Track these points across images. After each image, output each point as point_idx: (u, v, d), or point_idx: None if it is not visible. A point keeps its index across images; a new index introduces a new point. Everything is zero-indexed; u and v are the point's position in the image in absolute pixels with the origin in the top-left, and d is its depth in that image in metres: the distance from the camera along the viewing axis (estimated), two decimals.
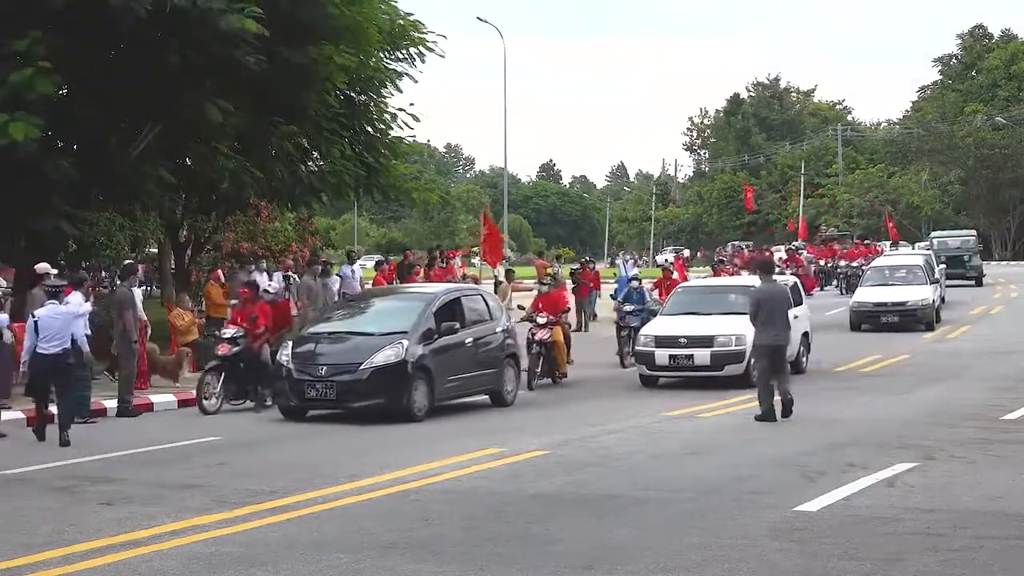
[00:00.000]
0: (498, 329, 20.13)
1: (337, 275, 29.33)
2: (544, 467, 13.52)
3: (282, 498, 11.76)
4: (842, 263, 51.04)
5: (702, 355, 21.57)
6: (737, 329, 21.35)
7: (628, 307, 25.96)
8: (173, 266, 32.34)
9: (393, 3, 28.09)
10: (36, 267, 19.97)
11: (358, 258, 35.88)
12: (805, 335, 24.24)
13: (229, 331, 19.95)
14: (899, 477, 12.58)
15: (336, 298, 26.04)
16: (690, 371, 21.70)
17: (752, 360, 19.58)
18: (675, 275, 32.04)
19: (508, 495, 11.85)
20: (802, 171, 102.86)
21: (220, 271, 29.06)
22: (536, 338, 22.39)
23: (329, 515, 11.01)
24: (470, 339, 19.24)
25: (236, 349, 19.45)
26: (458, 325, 18.95)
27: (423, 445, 15.33)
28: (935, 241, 55.58)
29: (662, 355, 21.77)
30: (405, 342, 17.93)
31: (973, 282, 51.98)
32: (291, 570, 9.00)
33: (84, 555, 9.55)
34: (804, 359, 24.02)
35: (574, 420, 17.54)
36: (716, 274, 36.32)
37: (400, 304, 20.04)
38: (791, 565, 9.01)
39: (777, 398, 17.33)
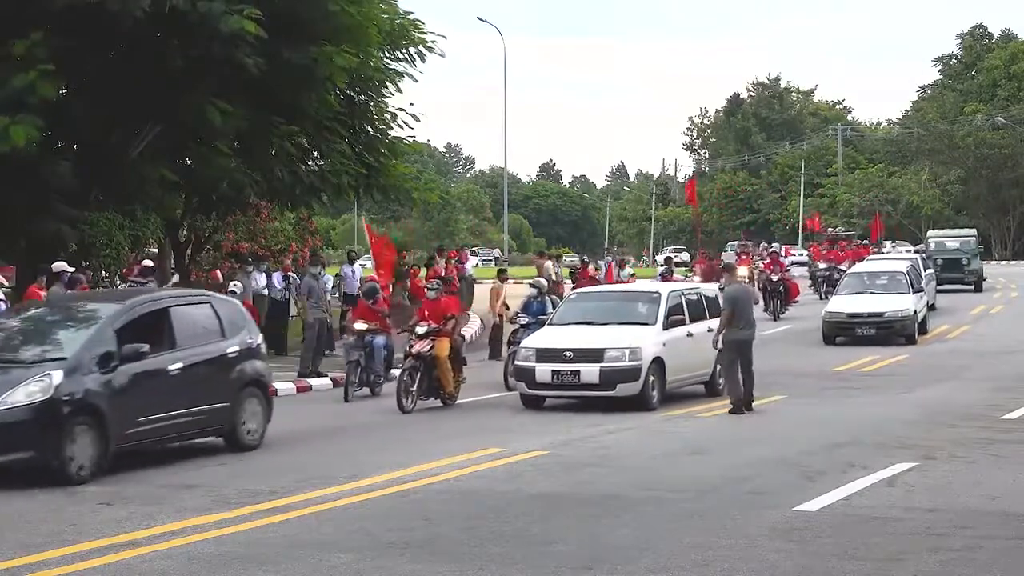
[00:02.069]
0: (231, 350, 15.11)
1: (337, 275, 29.28)
2: (544, 467, 13.53)
3: (282, 498, 11.76)
4: (821, 265, 45.89)
5: (590, 371, 18.46)
6: (633, 341, 18.68)
7: (523, 319, 22.47)
8: (173, 266, 32.27)
9: (393, 2, 28.10)
10: (53, 266, 20.14)
11: (358, 258, 35.82)
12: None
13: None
14: (899, 477, 12.58)
15: (328, 296, 25.95)
16: (576, 390, 18.81)
17: (719, 354, 18.97)
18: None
19: (508, 495, 11.85)
20: (802, 171, 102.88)
21: (218, 271, 29.06)
22: (413, 351, 19.16)
23: (329, 515, 11.01)
24: (178, 365, 14.27)
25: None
26: (148, 347, 13.82)
27: (422, 445, 15.33)
28: (932, 242, 51.15)
29: (544, 371, 18.66)
30: (56, 373, 12.89)
31: (972, 287, 47.67)
32: (291, 570, 9.01)
33: (84, 555, 9.55)
34: (720, 380, 19.99)
35: (574, 420, 17.54)
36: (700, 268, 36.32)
37: (70, 319, 14.53)
38: (791, 565, 9.01)
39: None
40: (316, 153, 27.74)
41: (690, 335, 19.77)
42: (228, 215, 31.17)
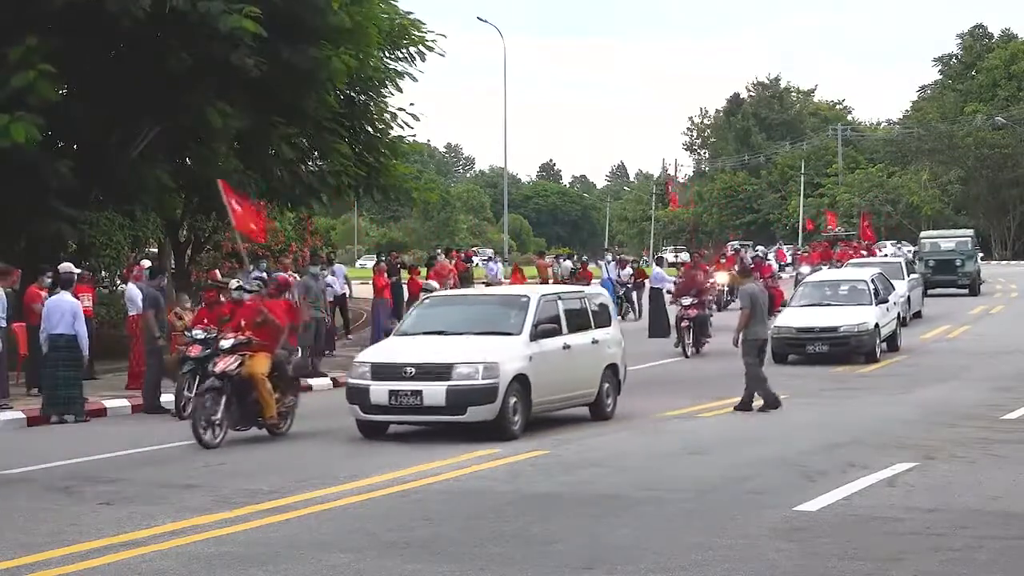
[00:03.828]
0: None
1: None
2: (544, 467, 13.53)
3: (282, 498, 11.76)
4: (804, 269, 42.75)
5: (434, 392, 15.23)
6: (490, 354, 15.50)
7: None
8: (173, 266, 32.26)
9: (393, 2, 28.11)
10: (59, 267, 20.26)
11: (335, 259, 35.39)
12: (612, 369, 17.97)
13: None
14: (899, 477, 12.58)
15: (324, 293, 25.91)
16: (417, 414, 15.60)
17: (742, 353, 18.82)
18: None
19: (508, 495, 11.85)
20: (802, 171, 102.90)
21: (217, 271, 29.04)
22: (216, 369, 15.70)
23: (329, 515, 11.01)
24: None
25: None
26: None
27: (423, 445, 15.32)
28: (927, 242, 48.82)
29: (380, 391, 15.42)
30: None
31: (966, 290, 45.48)
32: (291, 570, 9.00)
33: (84, 555, 9.55)
34: (609, 400, 17.83)
35: (574, 420, 17.53)
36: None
37: None
38: (791, 565, 9.01)
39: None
40: (316, 153, 27.75)
41: (567, 347, 16.83)
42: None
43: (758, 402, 18.36)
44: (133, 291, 23.87)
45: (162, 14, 20.73)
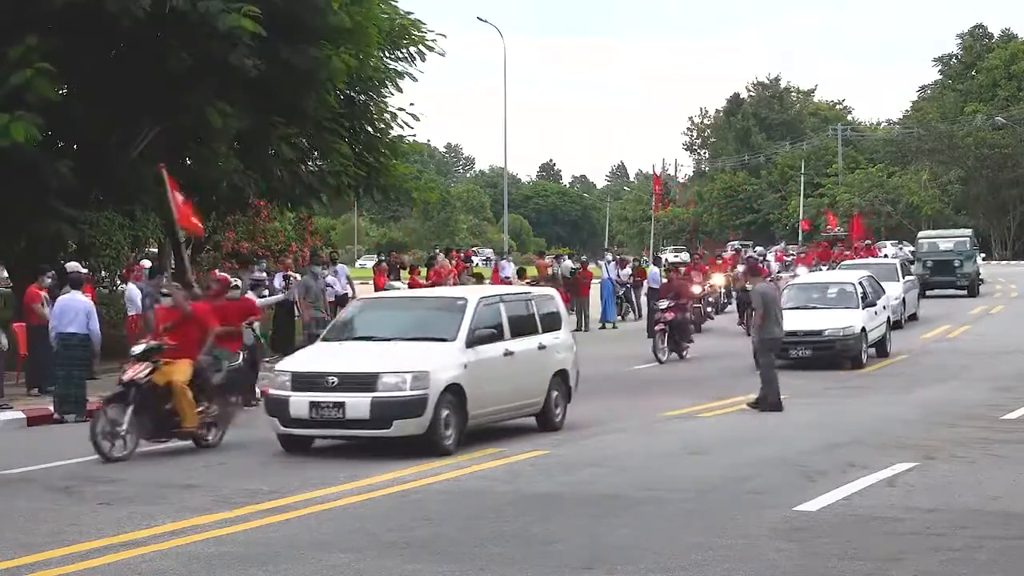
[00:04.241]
0: None
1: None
2: (544, 467, 13.53)
3: (282, 498, 11.76)
4: (800, 269, 41.40)
5: (357, 404, 14.03)
6: (420, 363, 14.31)
7: None
8: (173, 266, 32.27)
9: (393, 3, 28.10)
10: (67, 267, 20.32)
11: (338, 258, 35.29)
12: (561, 377, 16.85)
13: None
14: (899, 477, 12.58)
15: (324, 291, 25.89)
16: (340, 428, 14.38)
17: (755, 353, 18.85)
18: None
19: (508, 495, 11.85)
20: (802, 171, 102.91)
21: (216, 271, 29.04)
22: (125, 377, 14.67)
23: (329, 515, 11.01)
24: None
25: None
26: None
27: (423, 445, 15.31)
28: (925, 243, 47.90)
29: (300, 403, 14.22)
30: None
31: (964, 291, 44.71)
32: (291, 570, 9.00)
33: (84, 555, 9.55)
34: (558, 410, 16.72)
35: (574, 420, 17.52)
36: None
37: None
38: (791, 565, 9.01)
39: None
40: (316, 153, 27.75)
41: (509, 354, 15.65)
42: (228, 215, 31.20)
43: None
44: (133, 291, 23.92)
45: (162, 14, 20.73)
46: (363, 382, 14.19)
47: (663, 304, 26.90)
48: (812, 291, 27.13)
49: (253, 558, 9.36)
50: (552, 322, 17.06)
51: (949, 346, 29.06)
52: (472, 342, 15.05)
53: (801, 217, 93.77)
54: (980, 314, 37.76)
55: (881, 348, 26.60)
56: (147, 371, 14.63)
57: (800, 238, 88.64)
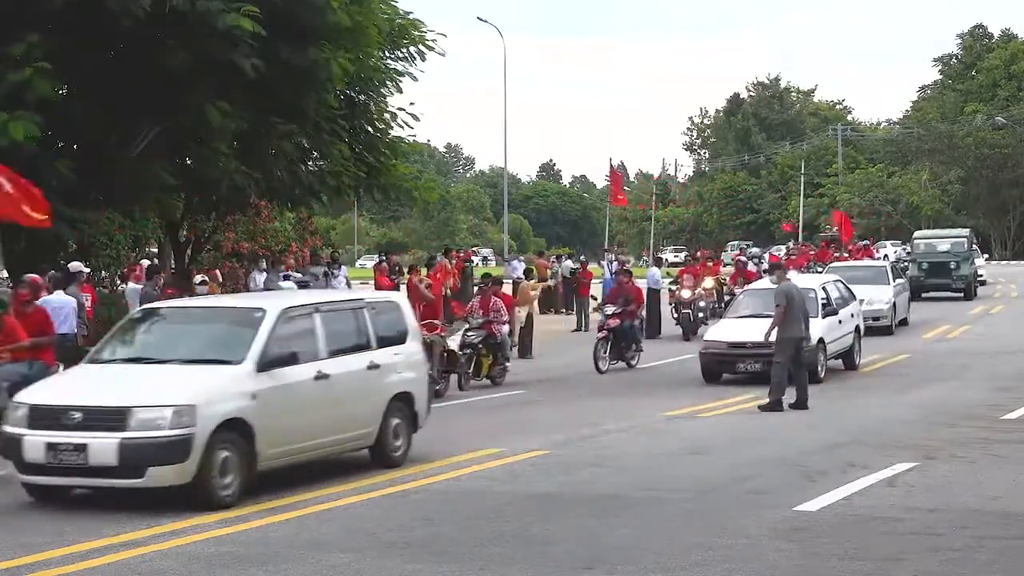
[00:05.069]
0: None
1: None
2: (544, 467, 13.53)
3: (282, 498, 11.76)
4: (791, 274, 38.82)
5: (102, 447, 11.21)
6: (186, 394, 11.51)
7: None
8: (173, 266, 32.30)
9: (393, 2, 28.08)
10: (70, 266, 20.33)
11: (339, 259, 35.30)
12: (404, 401, 14.05)
13: None
14: (899, 477, 12.58)
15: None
16: (83, 476, 11.50)
17: (775, 352, 18.54)
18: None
19: (508, 495, 11.86)
20: (802, 171, 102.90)
21: (217, 271, 29.06)
22: None
23: (329, 515, 11.01)
24: None
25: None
26: None
27: (423, 445, 15.32)
28: (921, 243, 46.03)
29: (36, 444, 11.43)
30: None
31: (961, 294, 43.15)
32: (291, 570, 9.01)
33: (84, 555, 9.55)
34: (399, 442, 13.90)
35: (574, 420, 17.53)
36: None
37: None
38: (791, 565, 9.01)
39: (790, 389, 17.99)
40: (316, 153, 27.74)
41: (323, 377, 12.80)
42: (228, 215, 31.21)
43: (757, 402, 18.42)
44: (133, 291, 23.94)
45: (162, 13, 20.73)
46: (111, 418, 11.30)
47: (609, 310, 25.12)
48: (768, 298, 22.47)
49: (253, 558, 9.36)
50: (393, 335, 14.15)
51: (949, 346, 29.05)
52: (266, 364, 12.14)
53: (801, 217, 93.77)
54: (980, 314, 37.76)
55: (848, 359, 24.09)
56: None
57: (800, 239, 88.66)
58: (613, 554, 9.34)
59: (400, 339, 14.31)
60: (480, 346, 22.35)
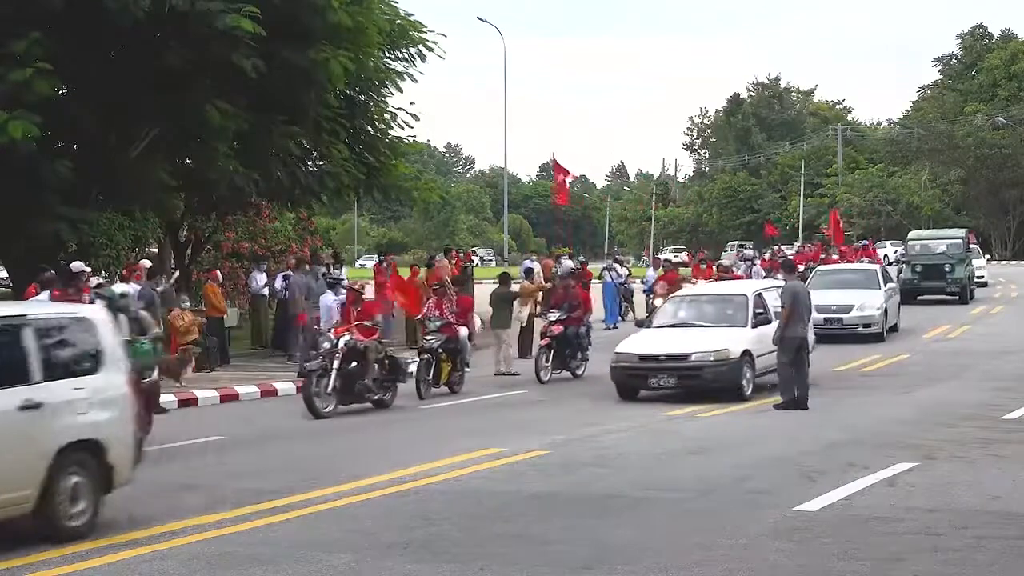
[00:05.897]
0: None
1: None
2: (544, 467, 13.53)
3: (282, 498, 11.77)
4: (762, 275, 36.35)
5: None
6: None
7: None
8: (173, 266, 32.33)
9: (393, 3, 28.10)
10: (71, 266, 20.32)
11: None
12: (91, 450, 10.62)
13: None
14: (899, 477, 12.58)
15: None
16: None
17: (778, 352, 18.47)
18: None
19: (508, 495, 11.85)
20: (802, 171, 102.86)
21: (218, 271, 29.06)
22: None
23: (329, 515, 11.01)
24: None
25: None
26: None
27: (423, 445, 15.33)
28: (916, 244, 43.88)
29: None
30: None
31: (956, 297, 41.28)
32: (291, 570, 9.01)
33: (84, 555, 9.56)
34: (79, 506, 10.38)
35: (574, 420, 17.53)
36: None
37: None
38: (791, 565, 9.01)
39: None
40: (316, 153, 27.76)
41: (27, 407, 9.98)
42: (228, 215, 31.24)
43: (751, 403, 18.45)
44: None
45: (162, 13, 20.75)
46: None
47: (553, 316, 23.28)
48: (692, 305, 21.99)
49: (253, 558, 9.36)
50: (75, 364, 10.74)
51: (949, 346, 29.04)
52: None
53: (801, 217, 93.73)
54: (980, 314, 37.73)
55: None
56: None
57: (800, 239, 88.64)
58: (613, 554, 9.34)
59: (88, 368, 10.79)
60: (440, 351, 20.98)
